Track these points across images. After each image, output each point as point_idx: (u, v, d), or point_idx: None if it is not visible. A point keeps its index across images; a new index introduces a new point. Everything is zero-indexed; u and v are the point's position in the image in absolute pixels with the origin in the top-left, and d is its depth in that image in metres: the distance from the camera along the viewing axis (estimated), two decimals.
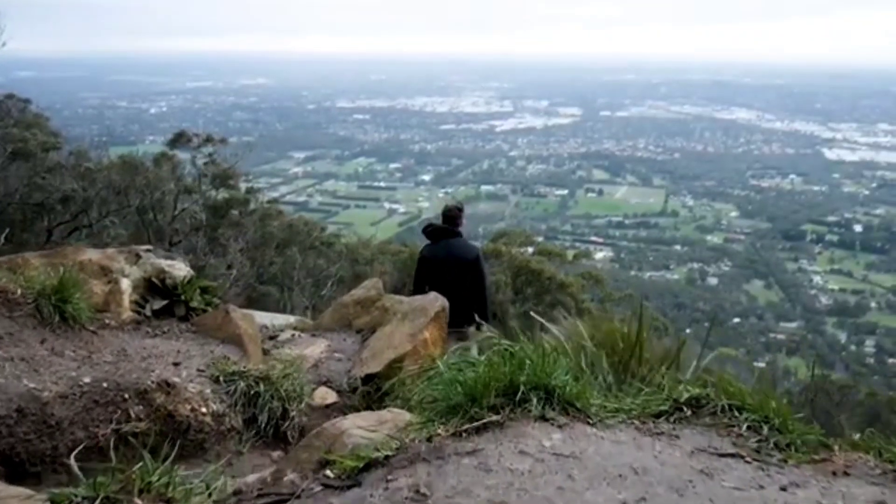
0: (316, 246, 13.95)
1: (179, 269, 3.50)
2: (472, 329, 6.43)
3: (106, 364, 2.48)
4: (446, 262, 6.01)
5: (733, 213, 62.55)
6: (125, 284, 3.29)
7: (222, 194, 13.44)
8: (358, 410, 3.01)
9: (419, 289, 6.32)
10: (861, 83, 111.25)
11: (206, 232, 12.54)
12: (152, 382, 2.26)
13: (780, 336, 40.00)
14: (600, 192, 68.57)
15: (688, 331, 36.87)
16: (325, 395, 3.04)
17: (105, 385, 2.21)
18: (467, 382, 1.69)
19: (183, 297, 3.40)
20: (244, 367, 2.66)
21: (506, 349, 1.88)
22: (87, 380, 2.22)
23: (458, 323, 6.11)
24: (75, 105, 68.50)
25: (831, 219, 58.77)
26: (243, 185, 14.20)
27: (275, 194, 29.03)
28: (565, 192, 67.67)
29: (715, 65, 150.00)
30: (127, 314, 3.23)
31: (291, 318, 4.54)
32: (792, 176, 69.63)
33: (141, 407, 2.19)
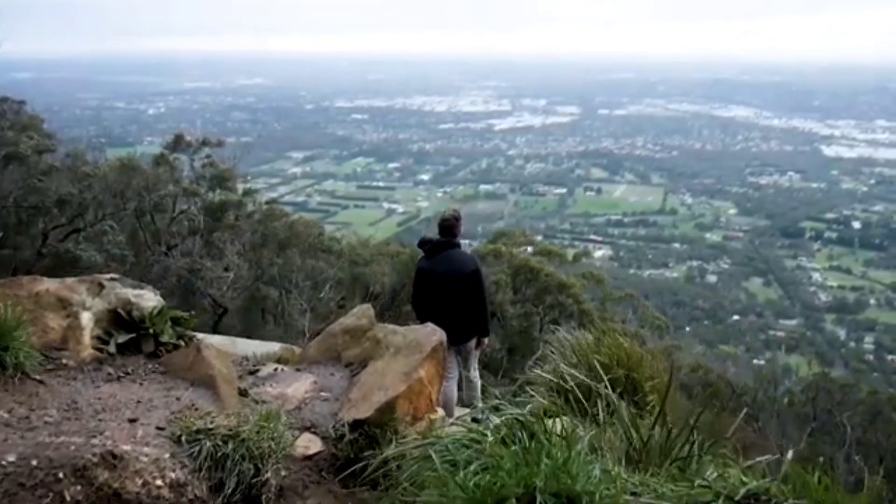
0: (315, 248, 13.72)
1: (148, 299, 3.16)
2: (472, 343, 6.20)
3: (47, 426, 2.13)
4: (445, 277, 5.84)
5: (732, 211, 62.64)
6: (86, 319, 2.95)
7: (218, 196, 13.19)
8: (346, 461, 2.69)
9: (418, 302, 6.11)
10: (859, 80, 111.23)
11: (202, 235, 12.31)
12: (94, 455, 1.90)
13: (780, 333, 40.11)
14: (599, 191, 68.58)
15: (687, 329, 36.84)
16: (309, 444, 2.70)
17: (35, 463, 1.85)
18: (469, 488, 1.34)
19: (151, 331, 3.06)
20: (211, 423, 2.31)
21: (518, 423, 1.53)
22: (11, 458, 1.86)
23: (458, 337, 5.88)
24: (73, 106, 68.23)
25: (830, 216, 58.88)
26: (241, 187, 13.99)
27: (273, 194, 28.78)
28: (564, 190, 67.68)
29: (713, 62, 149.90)
30: (87, 352, 2.89)
31: (276, 347, 4.21)
32: (790, 173, 69.74)
33: (79, 487, 1.83)
